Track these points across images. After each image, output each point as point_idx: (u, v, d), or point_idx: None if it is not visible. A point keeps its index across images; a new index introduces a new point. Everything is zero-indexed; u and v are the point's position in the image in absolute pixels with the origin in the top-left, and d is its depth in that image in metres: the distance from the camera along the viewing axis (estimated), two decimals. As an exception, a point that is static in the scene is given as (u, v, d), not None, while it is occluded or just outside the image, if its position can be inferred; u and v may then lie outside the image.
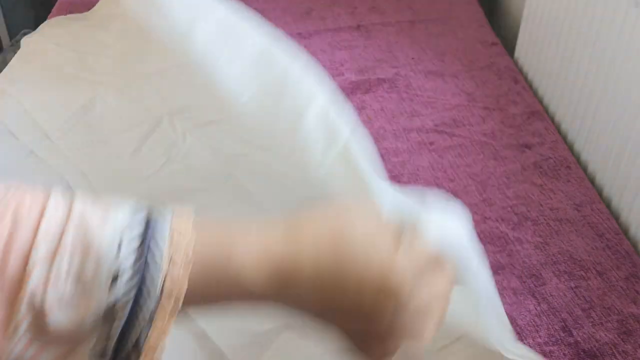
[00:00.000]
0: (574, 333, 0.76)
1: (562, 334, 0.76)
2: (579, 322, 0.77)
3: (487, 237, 0.88)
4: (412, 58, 1.29)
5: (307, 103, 0.76)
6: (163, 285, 0.37)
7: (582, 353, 0.74)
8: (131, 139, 0.96)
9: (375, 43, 1.34)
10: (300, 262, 0.41)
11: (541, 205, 0.94)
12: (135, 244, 0.37)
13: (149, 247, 0.37)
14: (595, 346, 0.75)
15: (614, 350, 0.74)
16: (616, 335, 0.76)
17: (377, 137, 1.07)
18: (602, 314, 0.78)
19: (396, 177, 0.99)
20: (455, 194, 0.96)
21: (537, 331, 0.76)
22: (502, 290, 0.81)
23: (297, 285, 0.40)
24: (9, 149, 0.98)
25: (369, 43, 1.34)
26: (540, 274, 0.83)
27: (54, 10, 1.49)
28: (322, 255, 0.41)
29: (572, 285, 0.82)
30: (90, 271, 0.36)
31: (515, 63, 1.30)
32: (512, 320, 0.77)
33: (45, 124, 1.00)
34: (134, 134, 0.97)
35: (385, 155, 1.03)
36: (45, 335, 0.36)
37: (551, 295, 0.81)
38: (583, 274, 0.83)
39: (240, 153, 0.89)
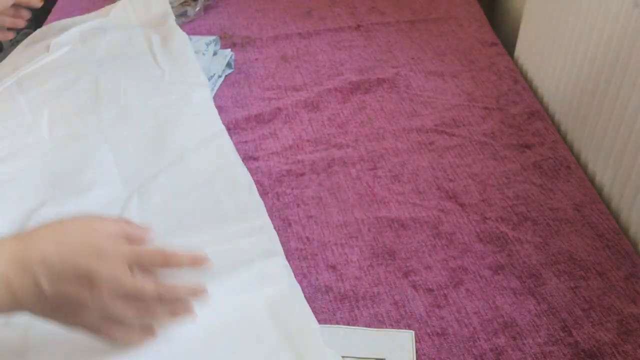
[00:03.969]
0: (574, 333, 0.76)
1: (562, 334, 0.76)
2: (579, 322, 0.77)
3: (487, 237, 0.88)
4: (412, 58, 1.29)
5: None
6: None
7: (582, 353, 0.74)
8: None
9: (375, 43, 1.34)
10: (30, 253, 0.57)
11: (541, 205, 0.94)
12: None
13: None
14: (595, 346, 0.75)
15: (614, 350, 0.74)
16: (616, 335, 0.76)
17: (377, 137, 1.07)
18: (602, 314, 0.78)
19: (396, 177, 0.99)
20: (455, 194, 0.96)
21: (537, 331, 0.76)
22: (502, 290, 0.81)
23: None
24: None
25: (369, 43, 1.34)
26: (540, 274, 0.83)
27: (53, 10, 1.50)
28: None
29: (572, 285, 0.82)
30: None
31: (515, 63, 1.30)
32: (512, 320, 0.77)
33: None
34: None
35: (385, 155, 1.03)
36: None
37: (551, 295, 0.81)
38: (583, 274, 0.83)
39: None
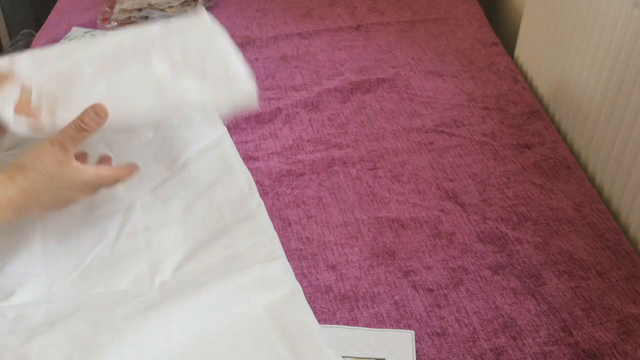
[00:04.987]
0: (574, 333, 0.76)
1: (562, 334, 0.76)
2: (579, 322, 0.77)
3: (487, 237, 0.88)
4: (412, 58, 1.29)
5: None
6: None
7: (582, 353, 0.74)
8: None
9: (375, 43, 1.34)
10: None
11: (541, 205, 0.94)
12: None
13: None
14: (595, 346, 0.75)
15: (614, 350, 0.74)
16: (616, 335, 0.76)
17: (377, 137, 1.07)
18: (602, 314, 0.78)
19: (396, 177, 0.99)
20: (455, 194, 0.96)
21: (537, 331, 0.76)
22: (502, 290, 0.81)
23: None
24: None
25: (369, 43, 1.34)
26: (540, 274, 0.83)
27: (53, 11, 1.50)
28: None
29: (572, 285, 0.82)
30: None
31: (515, 63, 1.30)
32: (512, 320, 0.77)
33: None
34: None
35: (385, 155, 1.03)
36: None
37: (551, 295, 0.81)
38: (583, 274, 0.83)
39: None
